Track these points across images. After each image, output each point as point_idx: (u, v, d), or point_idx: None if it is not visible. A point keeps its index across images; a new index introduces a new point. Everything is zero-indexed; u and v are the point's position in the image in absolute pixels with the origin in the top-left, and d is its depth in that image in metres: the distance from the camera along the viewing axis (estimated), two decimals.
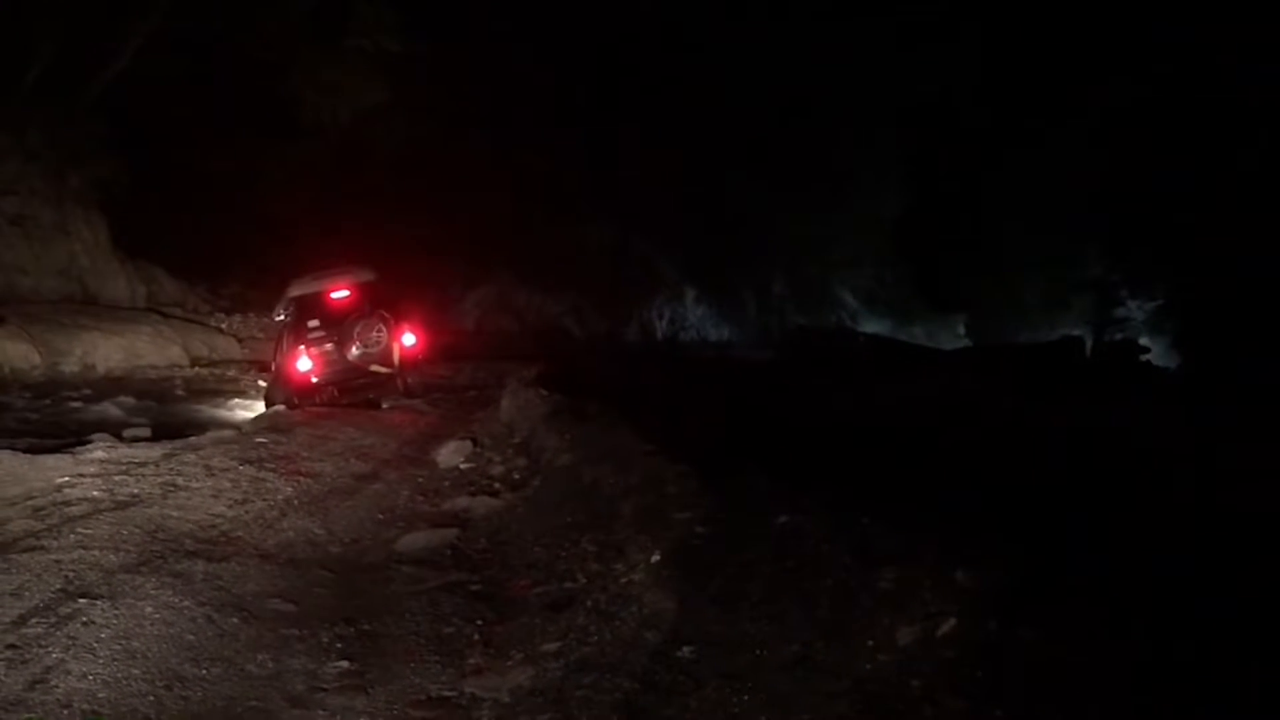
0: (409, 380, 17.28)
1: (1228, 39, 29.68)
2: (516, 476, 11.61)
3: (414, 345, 16.96)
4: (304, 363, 16.05)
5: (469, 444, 13.40)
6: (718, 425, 12.49)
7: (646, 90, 40.97)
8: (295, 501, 10.63)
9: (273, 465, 11.96)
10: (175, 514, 9.42)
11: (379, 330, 16.07)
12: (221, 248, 31.57)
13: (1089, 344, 33.99)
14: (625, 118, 41.37)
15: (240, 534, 9.26)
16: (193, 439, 13.54)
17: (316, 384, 16.25)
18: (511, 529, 9.51)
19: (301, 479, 11.54)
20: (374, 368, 16.33)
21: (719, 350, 41.86)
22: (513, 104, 38.65)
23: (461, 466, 12.76)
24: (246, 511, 9.94)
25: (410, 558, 9.18)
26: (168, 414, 18.90)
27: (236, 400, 21.35)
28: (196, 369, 26.75)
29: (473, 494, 11.11)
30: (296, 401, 16.64)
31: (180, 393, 22.77)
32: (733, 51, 42.09)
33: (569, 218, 41.22)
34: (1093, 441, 10.79)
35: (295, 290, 16.82)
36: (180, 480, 10.66)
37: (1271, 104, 28.92)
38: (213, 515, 9.61)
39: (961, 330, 50.61)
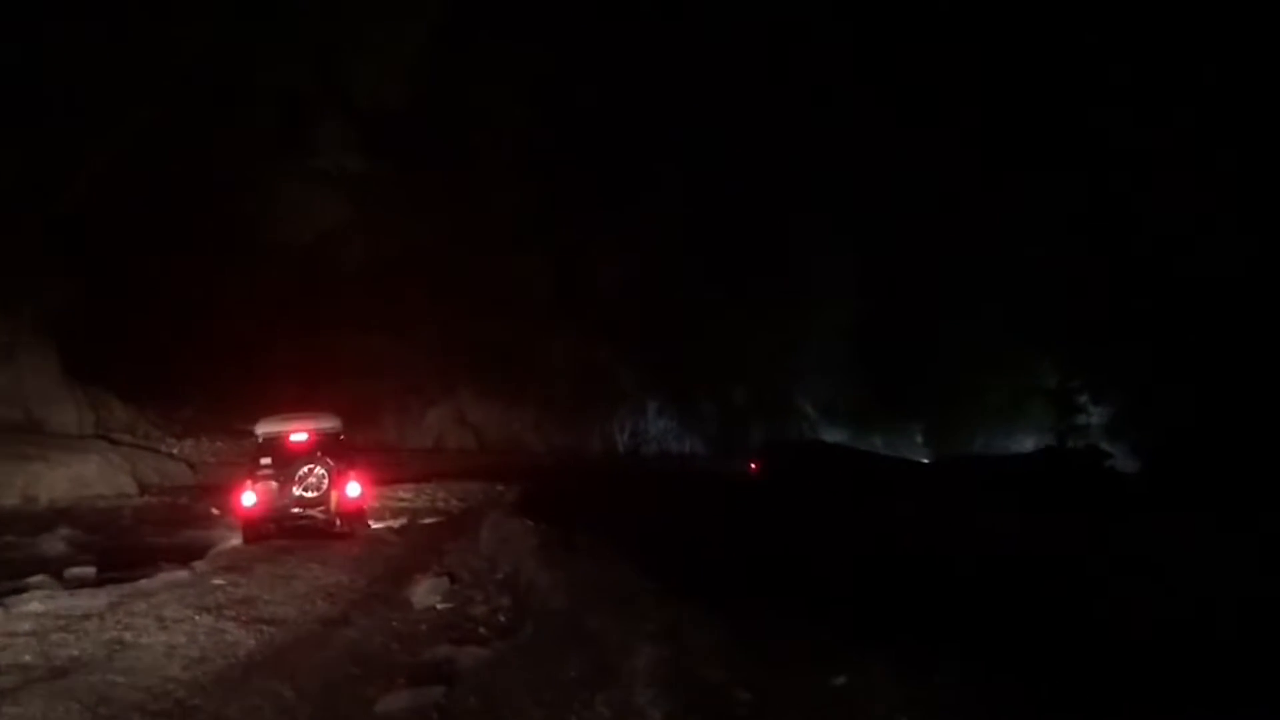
0: (345, 529, 16.35)
1: (1179, 148, 29.76)
2: (503, 619, 10.38)
3: (358, 497, 16.35)
4: (248, 497, 15.72)
5: (445, 580, 12.18)
6: (728, 558, 11.36)
7: (608, 206, 40.57)
8: (259, 657, 9.32)
9: (232, 613, 10.64)
10: (122, 680, 8.09)
11: (320, 476, 15.67)
12: (176, 371, 30.27)
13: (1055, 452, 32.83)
14: (587, 232, 40.90)
15: (199, 702, 7.94)
16: (143, 583, 12.18)
17: (257, 519, 15.81)
18: (505, 686, 8.24)
19: (265, 628, 10.23)
20: (309, 512, 15.85)
21: (685, 463, 40.80)
22: (475, 221, 37.99)
23: (439, 606, 11.51)
24: (205, 673, 8.62)
25: None
26: (116, 548, 17.41)
27: (190, 531, 19.95)
28: (147, 497, 25.24)
29: (456, 641, 9.87)
30: (247, 532, 16.01)
31: (129, 523, 21.30)
32: (693, 167, 41.95)
33: (530, 331, 40.33)
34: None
35: (261, 428, 16.73)
36: (129, 636, 9.34)
37: (1225, 212, 28.90)
38: (166, 679, 8.29)
39: (919, 439, 50.17)
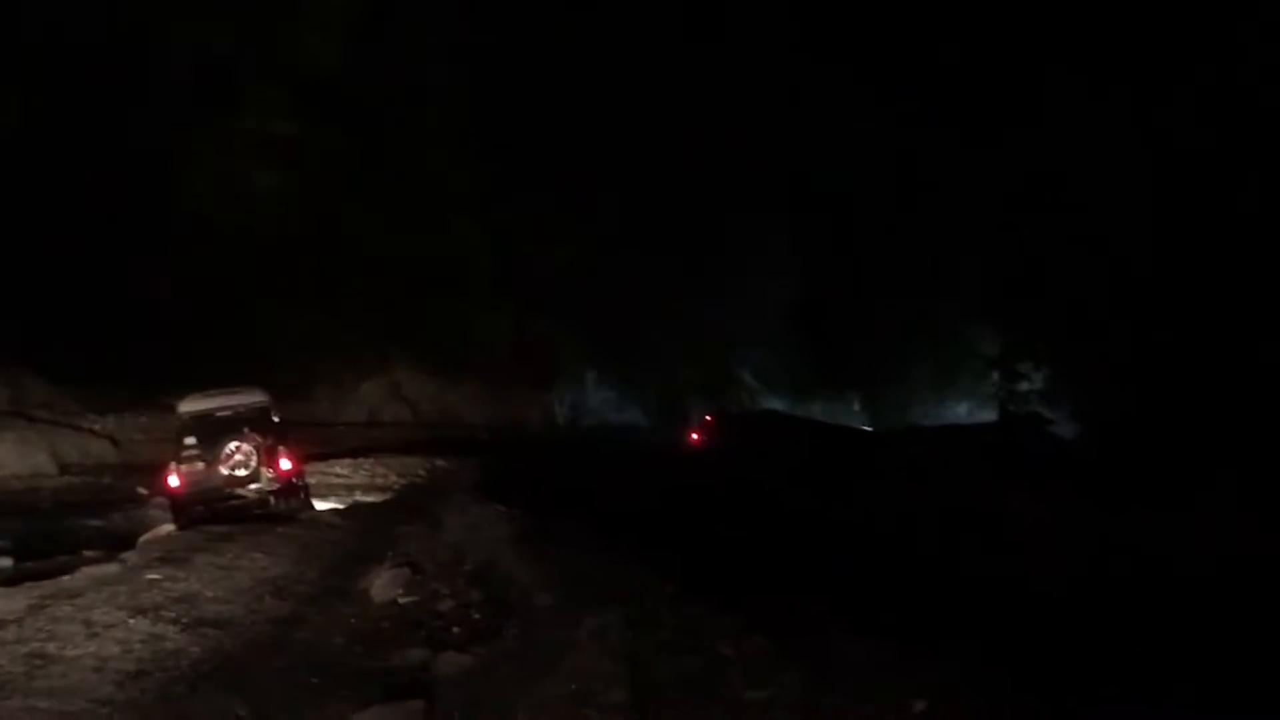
0: (281, 505, 15.37)
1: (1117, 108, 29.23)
2: (477, 617, 9.23)
3: (288, 470, 15.39)
4: (173, 479, 14.86)
5: (406, 571, 11.01)
6: (724, 545, 10.33)
7: (544, 174, 39.21)
8: (205, 667, 8.07)
9: (171, 614, 9.37)
10: (44, 705, 6.83)
11: (248, 453, 14.88)
12: (97, 345, 28.36)
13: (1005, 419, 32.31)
14: (523, 201, 39.49)
15: None
16: (66, 580, 10.83)
17: (186, 502, 14.90)
18: (494, 702, 7.12)
19: (209, 632, 8.99)
20: (239, 490, 14.99)
21: (627, 435, 39.75)
22: (411, 194, 36.44)
23: (401, 601, 10.34)
24: (143, 691, 7.36)
25: None
26: (34, 535, 15.97)
27: (116, 514, 18.51)
28: (67, 477, 23.64)
29: (429, 644, 8.71)
30: (178, 518, 14.97)
31: (49, 506, 19.76)
32: (630, 135, 40.70)
33: (467, 305, 38.89)
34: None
35: (185, 407, 15.63)
36: (52, 647, 8.05)
37: (1160, 174, 28.43)
38: (98, 702, 7.03)
39: (857, 406, 49.72)
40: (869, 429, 40.23)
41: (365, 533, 14.57)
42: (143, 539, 14.29)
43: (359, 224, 35.81)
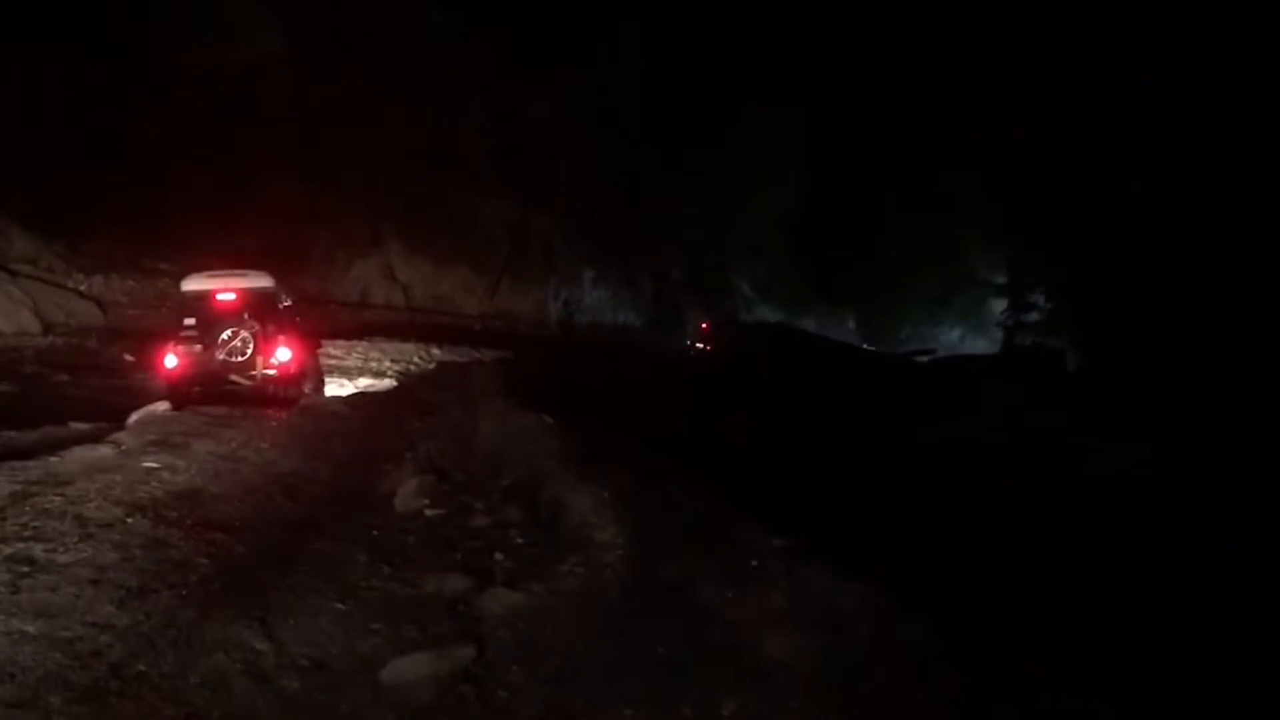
0: (278, 396, 14.27)
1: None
2: (520, 541, 8.07)
3: (288, 361, 14.33)
4: (170, 360, 13.92)
5: (431, 478, 9.83)
6: (809, 482, 9.18)
7: (556, 61, 37.28)
8: (216, 586, 6.92)
9: (174, 513, 8.18)
10: (31, 629, 5.66)
11: (244, 340, 13.98)
12: (85, 200, 26.65)
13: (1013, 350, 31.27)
14: (531, 88, 37.61)
15: (144, 668, 5.55)
16: (54, 461, 9.57)
17: (180, 383, 13.98)
18: (562, 658, 5.99)
19: (218, 538, 7.82)
20: (234, 377, 14.01)
21: (624, 337, 38.61)
22: (417, 65, 34.45)
23: (428, 513, 9.18)
24: (148, 615, 6.20)
25: (412, 709, 5.62)
26: (18, 400, 14.73)
27: (103, 381, 17.28)
28: (51, 338, 22.26)
29: (466, 570, 7.55)
30: (173, 397, 13.90)
31: (32, 368, 18.43)
32: (643, 30, 38.78)
33: (466, 189, 37.21)
34: None
35: (187, 285, 14.80)
36: (39, 551, 6.84)
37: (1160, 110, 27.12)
38: (95, 626, 5.87)
39: (852, 324, 48.85)
40: (867, 348, 38.97)
41: (376, 427, 13.37)
42: (134, 417, 13.01)
43: (358, 97, 33.87)
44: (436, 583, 7.47)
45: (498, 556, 7.81)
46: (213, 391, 14.07)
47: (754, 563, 5.96)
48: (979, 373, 24.82)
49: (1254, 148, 24.61)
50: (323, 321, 27.81)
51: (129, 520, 7.78)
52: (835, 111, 46.07)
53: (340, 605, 7.06)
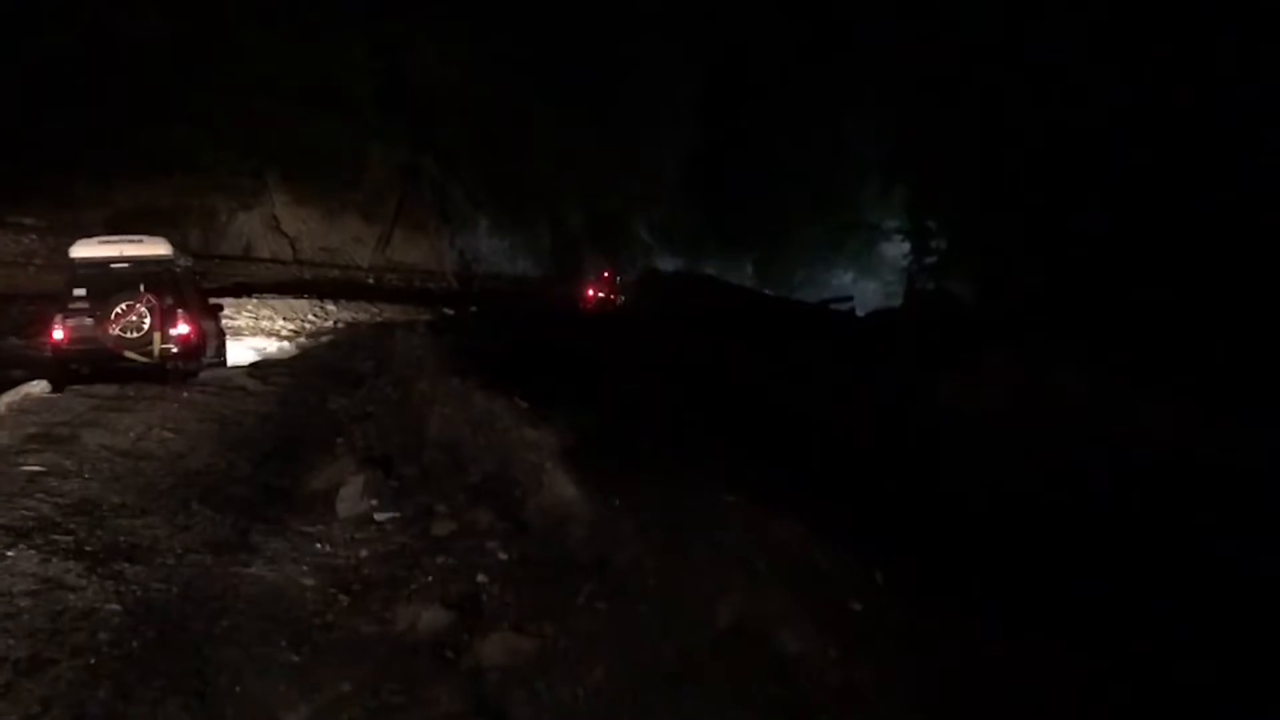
0: (173, 372, 12.74)
1: None
2: (504, 557, 6.51)
3: (184, 335, 12.91)
4: (57, 332, 12.54)
5: (377, 473, 8.18)
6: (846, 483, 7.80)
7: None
8: (134, 644, 5.26)
9: (68, 537, 6.47)
10: None
11: (140, 315, 12.56)
12: None
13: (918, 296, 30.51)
14: (419, 26, 35.24)
15: None
16: None
17: (66, 358, 12.56)
18: None
19: (127, 572, 6.13)
20: (128, 353, 12.53)
21: (525, 287, 36.84)
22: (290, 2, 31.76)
23: (379, 518, 7.55)
24: (44, 705, 4.55)
25: None
26: None
27: None
28: None
29: (446, 602, 6.00)
30: (55, 376, 12.44)
31: None
32: None
33: (352, 134, 34.72)
34: None
35: (77, 252, 13.20)
36: None
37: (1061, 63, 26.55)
38: None
39: (750, 270, 47.96)
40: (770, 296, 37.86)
41: (292, 404, 11.60)
42: (5, 399, 10.97)
43: (233, 33, 31.06)
44: (409, 617, 5.92)
45: (481, 579, 6.26)
46: (103, 369, 12.48)
47: (856, 607, 4.58)
48: (904, 323, 23.81)
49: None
50: (206, 278, 25.61)
51: (9, 554, 6.04)
52: (730, 54, 44.77)
53: (295, 656, 5.48)
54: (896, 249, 46.10)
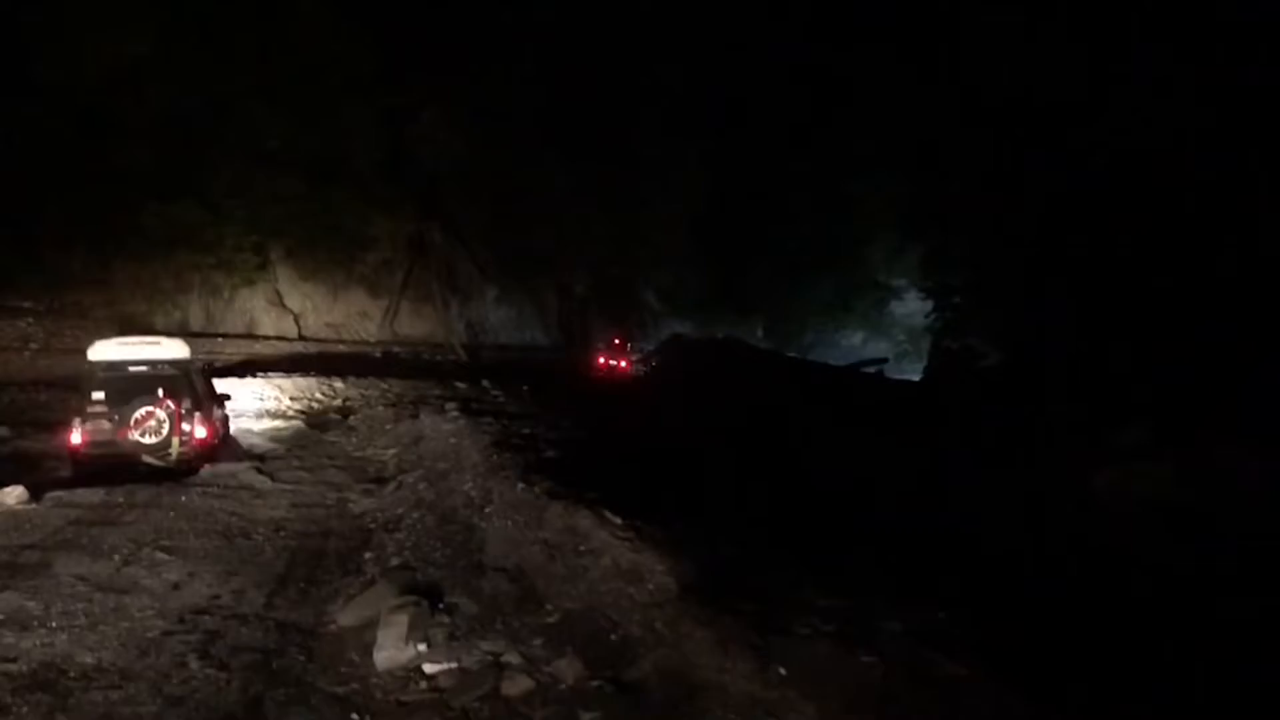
0: (190, 472, 11.94)
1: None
2: None
3: (203, 439, 12.28)
4: (75, 436, 11.94)
5: (422, 607, 6.30)
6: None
7: (449, 69, 33.68)
8: None
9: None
10: None
11: (159, 420, 12.05)
12: None
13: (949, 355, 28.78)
14: (424, 96, 33.92)
15: None
16: None
17: (84, 462, 11.83)
18: None
19: None
20: (146, 458, 11.91)
21: (535, 356, 35.07)
22: (293, 74, 30.29)
23: (428, 669, 5.68)
24: None
25: None
26: None
27: None
28: None
29: None
30: (69, 474, 11.82)
31: None
32: (541, 38, 35.49)
33: (357, 207, 33.13)
34: None
35: (96, 354, 12.73)
36: None
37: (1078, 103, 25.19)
38: None
39: (760, 332, 46.29)
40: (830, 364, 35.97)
41: (307, 506, 9.73)
42: None
43: (235, 107, 29.61)
44: None
45: None
46: (120, 472, 11.58)
47: None
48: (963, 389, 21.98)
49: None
50: (209, 358, 23.92)
51: None
52: (736, 118, 43.53)
53: None
54: (906, 307, 44.63)
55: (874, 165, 41.04)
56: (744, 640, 4.51)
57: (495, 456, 8.53)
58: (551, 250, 38.81)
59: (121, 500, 9.60)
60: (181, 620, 6.34)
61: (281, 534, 8.61)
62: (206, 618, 6.45)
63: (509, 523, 6.85)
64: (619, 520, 6.11)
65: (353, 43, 31.62)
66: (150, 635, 6.02)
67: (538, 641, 5.66)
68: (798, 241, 44.45)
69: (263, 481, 10.79)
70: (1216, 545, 8.23)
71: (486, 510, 7.31)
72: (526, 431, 10.76)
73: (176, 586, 6.99)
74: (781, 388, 20.87)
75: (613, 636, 5.31)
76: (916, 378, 34.62)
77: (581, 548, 6.00)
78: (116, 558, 7.47)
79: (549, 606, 5.88)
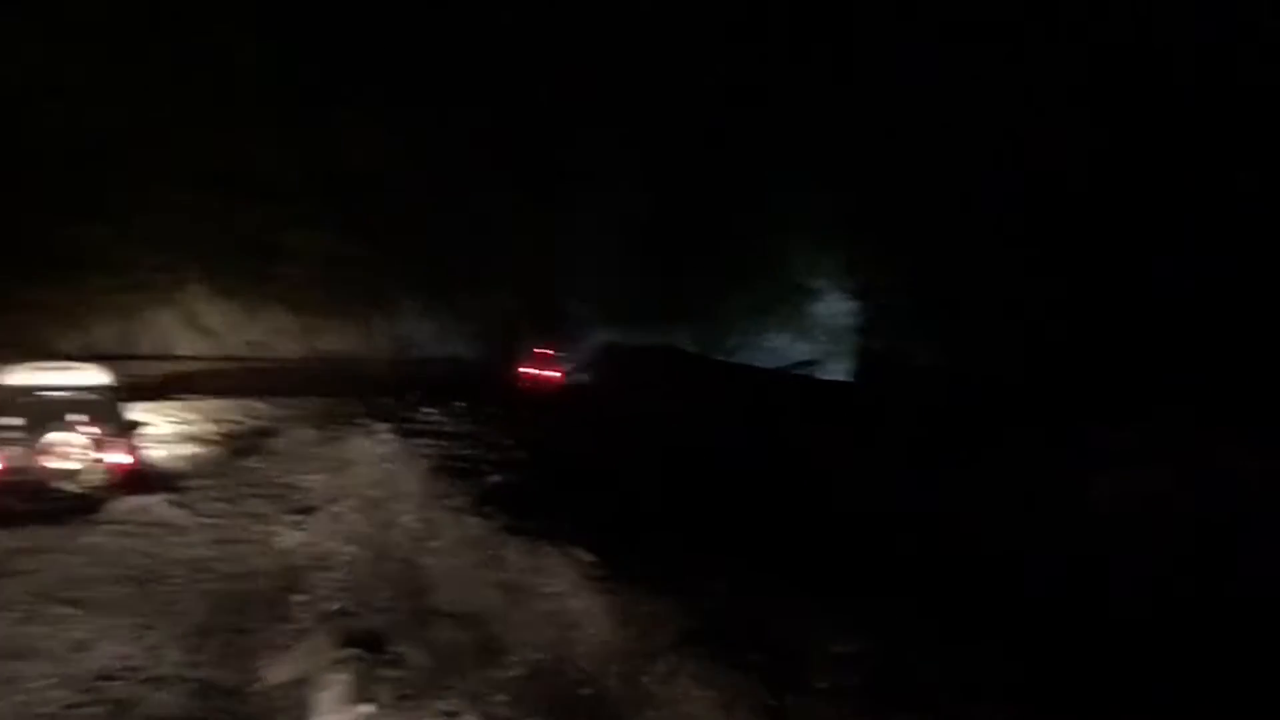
0: (98, 507, 10.83)
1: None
2: None
3: (124, 465, 11.77)
4: None
5: (365, 659, 5.55)
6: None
7: (368, 80, 32.67)
8: None
9: None
10: None
11: (77, 446, 11.55)
12: None
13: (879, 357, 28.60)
14: (341, 107, 32.79)
15: None
16: None
17: None
18: None
19: None
20: (63, 484, 11.40)
21: (466, 369, 34.09)
22: (202, 85, 29.07)
23: None
24: None
25: None
26: None
27: None
28: None
29: None
30: None
31: None
32: (462, 47, 34.68)
33: (273, 222, 31.91)
34: None
35: (10, 378, 12.28)
36: None
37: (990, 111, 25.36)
38: None
39: (688, 338, 45.91)
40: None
41: (230, 543, 8.85)
42: None
43: (142, 121, 28.28)
44: None
45: None
46: (31, 500, 10.97)
47: None
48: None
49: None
50: (124, 381, 22.63)
51: None
52: (661, 127, 43.07)
53: None
54: (828, 309, 44.72)
55: (797, 171, 41.07)
56: (754, 700, 3.88)
57: (435, 483, 7.79)
58: (476, 261, 37.92)
59: (22, 544, 8.64)
60: (87, 689, 5.52)
61: (201, 576, 7.77)
62: (116, 683, 5.65)
63: (460, 561, 6.14)
64: (590, 557, 5.45)
65: (267, 56, 30.54)
66: (48, 711, 5.20)
67: (500, 698, 4.97)
68: (724, 247, 44.20)
69: (180, 515, 9.88)
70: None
71: (432, 545, 6.58)
72: (466, 453, 10.01)
73: (82, 647, 6.15)
74: (727, 395, 20.27)
75: (587, 692, 4.64)
76: (843, 378, 34.61)
77: (548, 589, 5.34)
78: (11, 616, 6.59)
79: (512, 658, 5.21)
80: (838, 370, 36.95)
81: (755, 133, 42.11)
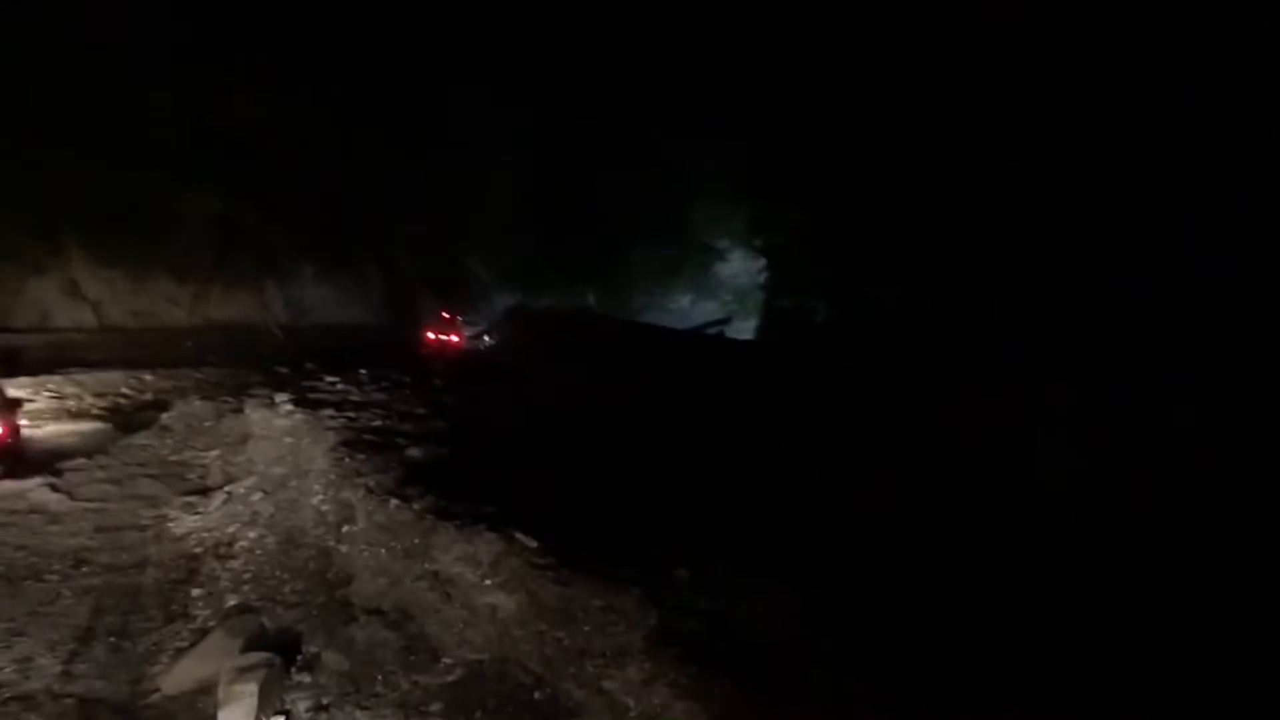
0: None
1: None
2: None
3: (1, 444, 10.99)
4: None
5: (276, 663, 4.86)
6: None
7: (258, 44, 31.08)
8: None
9: None
10: None
11: None
12: None
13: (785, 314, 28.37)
14: (227, 69, 31.15)
15: None
16: None
17: None
18: None
19: None
20: None
21: (363, 336, 32.85)
22: (86, 45, 27.25)
23: None
24: None
25: None
26: None
27: None
28: None
29: None
30: None
31: None
32: (356, 6, 33.25)
33: (160, 185, 30.23)
34: None
35: None
36: None
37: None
38: None
39: (592, 299, 45.30)
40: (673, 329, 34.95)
41: (116, 530, 7.97)
42: None
43: (18, 81, 26.47)
44: None
45: None
46: None
47: None
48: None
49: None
50: None
51: None
52: (558, 87, 42.18)
53: None
54: (731, 268, 44.64)
55: (698, 130, 40.66)
56: (750, 716, 3.32)
57: (347, 459, 7.05)
58: (373, 225, 36.64)
59: None
60: None
61: (83, 570, 6.93)
62: None
63: (382, 550, 5.45)
64: (534, 543, 4.82)
65: (151, 14, 28.80)
66: None
67: (435, 707, 4.34)
68: (624, 208, 43.56)
69: (59, 500, 8.92)
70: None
71: (347, 530, 5.87)
72: (378, 424, 9.25)
73: None
74: (646, 356, 19.69)
75: (536, 695, 4.05)
76: (749, 336, 34.45)
77: (487, 581, 4.69)
78: None
79: (446, 660, 4.58)
80: (745, 329, 36.84)
81: (646, 89, 41.53)
